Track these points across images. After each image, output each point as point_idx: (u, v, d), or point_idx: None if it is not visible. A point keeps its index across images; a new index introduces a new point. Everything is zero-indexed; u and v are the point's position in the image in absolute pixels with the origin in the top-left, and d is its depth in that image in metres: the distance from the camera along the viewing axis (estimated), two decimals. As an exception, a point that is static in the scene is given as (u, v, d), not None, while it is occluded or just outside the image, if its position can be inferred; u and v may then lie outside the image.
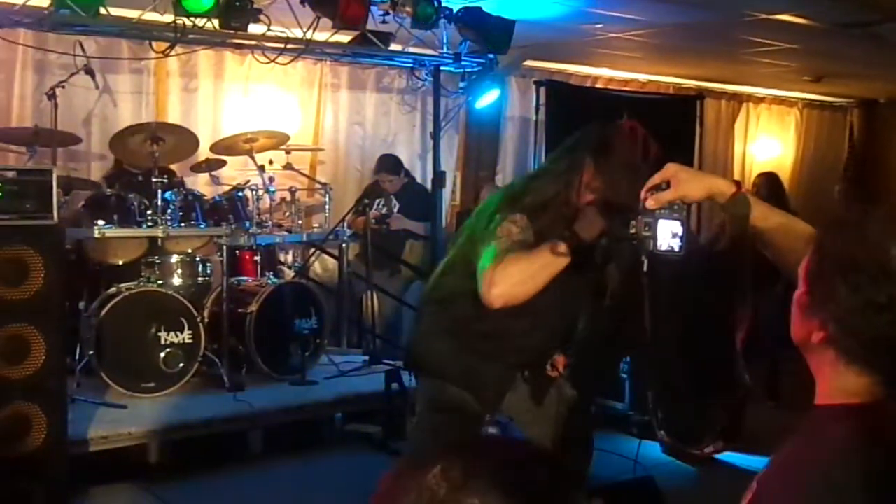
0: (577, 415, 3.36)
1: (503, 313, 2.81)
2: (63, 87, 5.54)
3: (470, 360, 3.09)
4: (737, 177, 10.52)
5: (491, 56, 6.37)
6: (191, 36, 5.37)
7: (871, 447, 1.41)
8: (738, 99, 10.65)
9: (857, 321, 1.42)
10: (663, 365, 5.04)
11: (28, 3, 4.99)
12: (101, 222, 5.40)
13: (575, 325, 3.24)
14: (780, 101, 11.09)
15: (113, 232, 5.44)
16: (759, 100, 10.90)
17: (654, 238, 2.08)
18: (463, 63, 6.45)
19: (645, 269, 2.41)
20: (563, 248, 2.71)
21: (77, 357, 5.32)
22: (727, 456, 5.31)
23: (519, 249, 2.78)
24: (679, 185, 1.95)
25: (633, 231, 2.14)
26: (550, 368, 3.26)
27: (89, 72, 5.57)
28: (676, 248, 2.08)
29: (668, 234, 2.08)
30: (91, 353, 5.21)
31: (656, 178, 1.99)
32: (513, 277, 2.72)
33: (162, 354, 5.37)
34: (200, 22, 5.22)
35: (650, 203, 2.00)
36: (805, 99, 11.17)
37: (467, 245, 3.01)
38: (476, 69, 6.55)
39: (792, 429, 1.59)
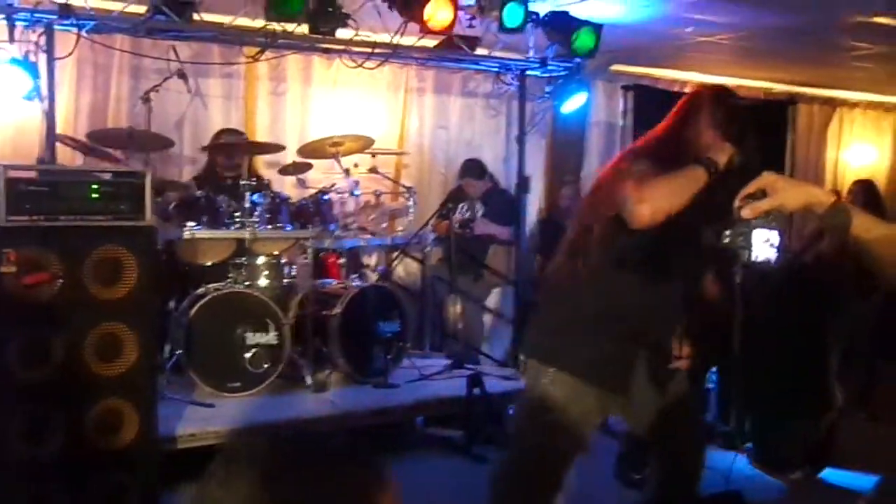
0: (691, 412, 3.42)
1: (623, 280, 3.10)
2: (157, 90, 5.67)
3: (591, 340, 3.14)
4: (829, 184, 10.24)
5: (578, 60, 6.32)
6: (280, 41, 5.45)
7: None
8: (831, 104, 10.35)
9: None
10: (749, 381, 4.93)
11: (125, 10, 5.14)
12: (190, 223, 5.51)
13: (692, 290, 3.29)
14: (875, 105, 10.75)
15: (202, 233, 5.55)
16: (853, 105, 10.59)
17: (749, 248, 2.02)
18: (549, 67, 6.42)
19: (738, 280, 2.36)
20: (700, 169, 3.00)
21: (167, 355, 5.44)
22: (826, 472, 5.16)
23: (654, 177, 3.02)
24: (776, 194, 1.90)
25: (727, 241, 2.08)
26: (677, 350, 3.26)
27: (182, 76, 5.69)
28: (772, 260, 2.02)
29: (764, 245, 2.02)
30: (180, 351, 5.32)
31: (751, 187, 1.94)
32: (660, 190, 2.94)
33: (248, 355, 5.45)
34: (290, 27, 5.30)
35: (746, 213, 1.95)
36: (903, 104, 10.83)
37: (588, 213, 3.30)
38: (562, 73, 6.51)
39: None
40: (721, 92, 3.30)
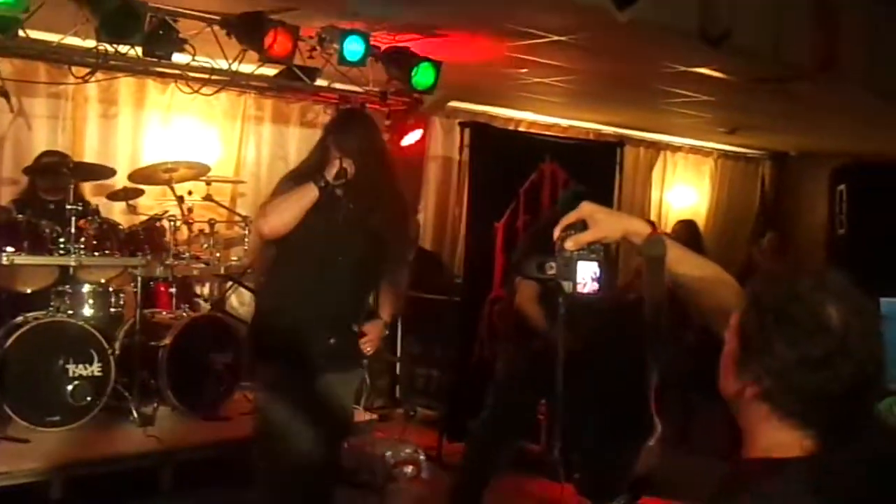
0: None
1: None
2: (-28, 108, 5.37)
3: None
4: (653, 223, 10.73)
5: (416, 96, 6.42)
6: (112, 62, 5.28)
7: (813, 500, 1.42)
8: (657, 147, 10.90)
9: (794, 376, 1.43)
10: (575, 412, 5.07)
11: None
12: (9, 249, 5.23)
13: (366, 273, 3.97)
14: (696, 150, 11.38)
15: (22, 259, 5.27)
16: (677, 148, 11.17)
17: (574, 280, 2.04)
18: (389, 101, 6.48)
19: (562, 311, 2.41)
20: (311, 186, 3.67)
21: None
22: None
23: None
24: (597, 225, 1.93)
25: (551, 272, 2.10)
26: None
27: (3, 94, 5.43)
28: (595, 290, 2.05)
29: (588, 276, 2.04)
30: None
31: (571, 217, 1.96)
32: (275, 208, 3.72)
33: (69, 387, 5.21)
34: (123, 49, 5.15)
35: (569, 244, 1.97)
36: (720, 149, 11.50)
37: None
38: (401, 108, 6.58)
39: (714, 478, 1.61)
40: (343, 108, 4.18)
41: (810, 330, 1.42)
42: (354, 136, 3.79)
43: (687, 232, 7.26)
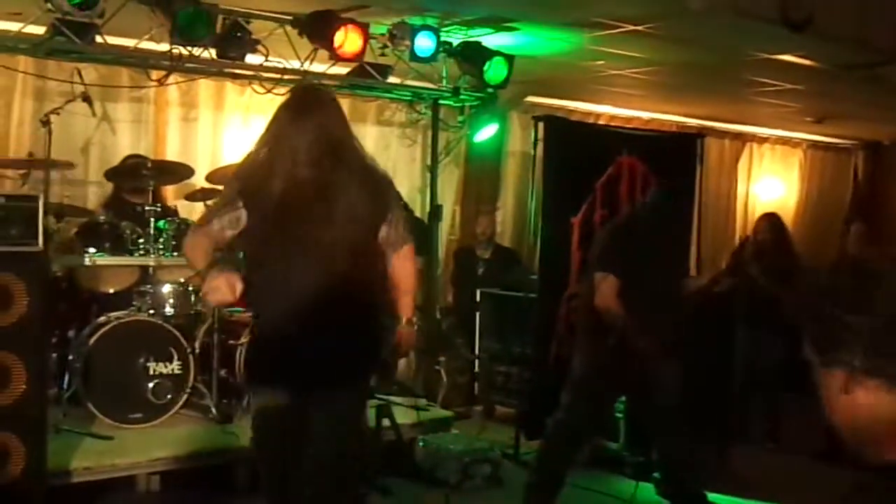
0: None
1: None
2: (58, 113, 5.50)
3: None
4: (739, 217, 10.47)
5: (490, 90, 6.36)
6: (188, 65, 5.36)
7: None
8: (742, 139, 10.62)
9: None
10: (654, 413, 4.97)
11: (23, 30, 5.00)
12: (92, 250, 5.36)
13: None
14: (783, 141, 11.06)
15: (104, 260, 5.40)
16: (763, 140, 10.87)
17: None
18: (462, 97, 6.44)
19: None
20: (203, 268, 3.24)
21: (65, 386, 5.26)
22: (721, 499, 5.21)
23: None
24: None
25: None
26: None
27: (86, 99, 5.55)
28: None
29: None
30: (78, 382, 5.15)
31: None
32: (190, 250, 3.43)
33: (150, 385, 5.30)
34: (197, 51, 5.22)
35: None
36: (809, 140, 11.15)
37: None
38: (475, 103, 6.53)
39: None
40: (297, 87, 3.96)
41: None
42: (310, 117, 3.32)
43: (771, 226, 7.04)
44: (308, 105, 3.41)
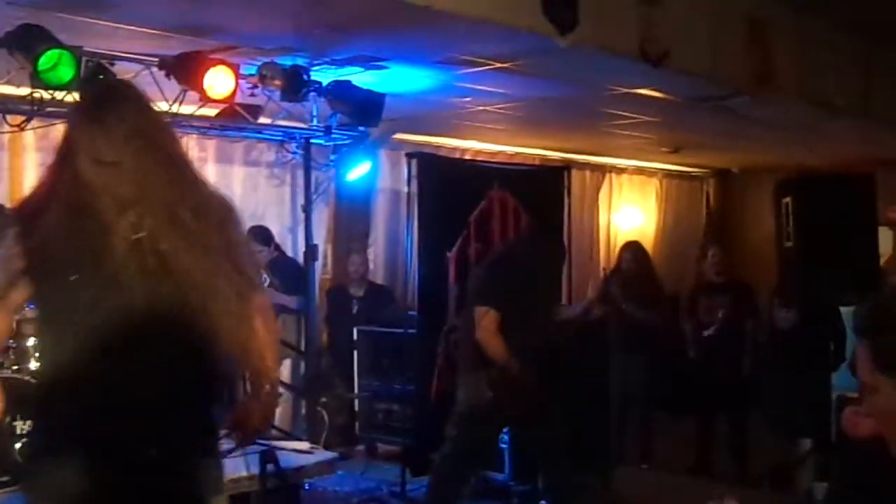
0: None
1: None
2: None
3: None
4: (602, 246, 10.79)
5: (361, 129, 6.38)
6: (49, 109, 5.17)
7: None
8: (602, 170, 10.97)
9: None
10: (537, 442, 5.04)
11: None
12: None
13: None
14: (640, 171, 11.48)
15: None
16: (622, 170, 11.26)
17: None
18: (333, 136, 6.44)
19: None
20: None
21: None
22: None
23: None
24: None
25: None
26: None
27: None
28: None
29: None
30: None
31: None
32: None
33: (18, 445, 5.03)
34: (59, 94, 5.04)
35: None
36: (664, 169, 11.62)
37: None
38: (347, 142, 6.54)
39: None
40: (97, 83, 3.39)
41: None
42: (117, 118, 2.52)
43: (634, 255, 7.30)
44: (110, 105, 2.63)
